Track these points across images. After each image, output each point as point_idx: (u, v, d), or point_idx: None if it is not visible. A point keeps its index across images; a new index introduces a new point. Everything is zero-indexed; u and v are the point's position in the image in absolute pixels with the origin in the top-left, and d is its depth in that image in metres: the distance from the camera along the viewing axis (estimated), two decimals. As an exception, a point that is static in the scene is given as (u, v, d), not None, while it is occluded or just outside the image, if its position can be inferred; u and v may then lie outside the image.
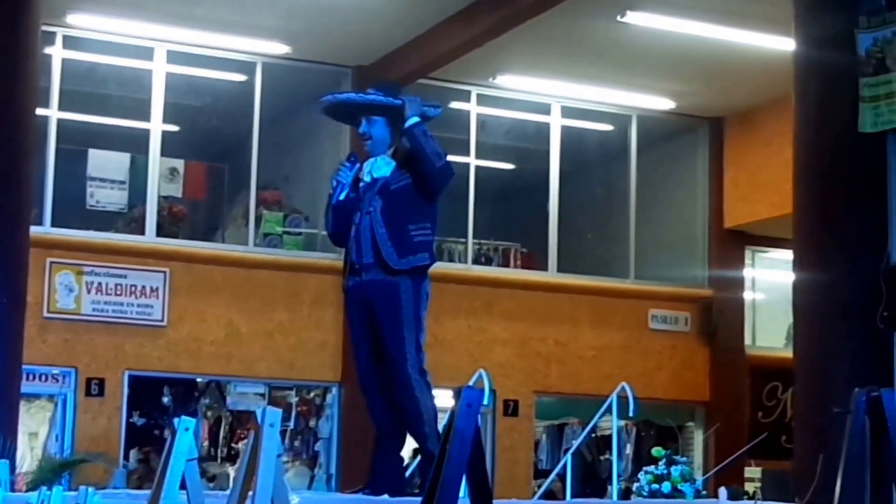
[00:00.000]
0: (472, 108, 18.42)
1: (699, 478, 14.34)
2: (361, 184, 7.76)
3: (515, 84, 18.13)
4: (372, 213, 7.56)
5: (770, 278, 20.13)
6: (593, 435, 18.27)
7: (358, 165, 7.90)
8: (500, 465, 17.79)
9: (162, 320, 16.38)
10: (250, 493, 4.59)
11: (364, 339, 7.70)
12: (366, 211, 7.59)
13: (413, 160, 7.62)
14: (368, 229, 7.55)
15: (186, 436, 5.30)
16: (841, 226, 11.91)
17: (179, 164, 17.34)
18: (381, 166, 7.74)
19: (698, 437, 19.20)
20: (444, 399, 19.19)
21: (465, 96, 18.33)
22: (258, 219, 17.37)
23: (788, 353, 13.15)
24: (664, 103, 18.80)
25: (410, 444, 8.00)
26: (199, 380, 17.69)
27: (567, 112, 18.95)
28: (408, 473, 14.74)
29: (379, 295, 7.54)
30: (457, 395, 3.89)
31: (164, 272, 16.45)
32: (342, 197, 7.75)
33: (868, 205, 12.01)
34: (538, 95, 18.60)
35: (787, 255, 13.47)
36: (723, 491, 11.17)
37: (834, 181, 11.97)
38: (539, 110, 18.94)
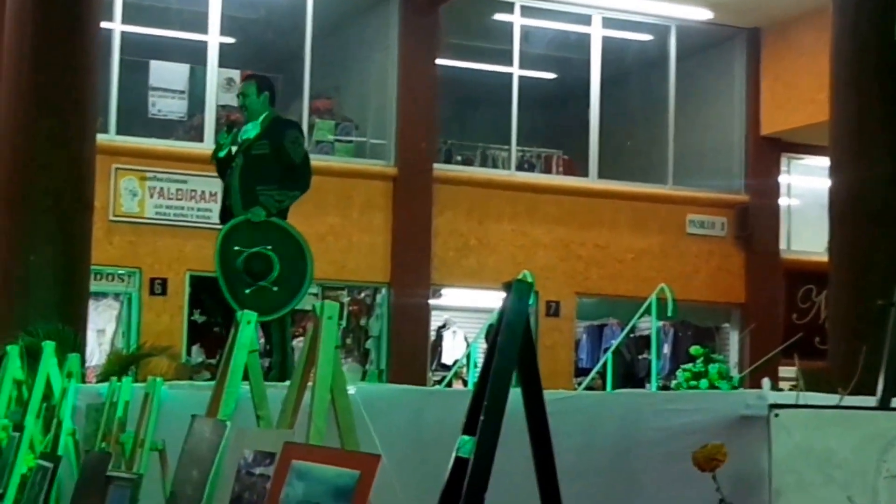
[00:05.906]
0: (516, 20, 18.83)
1: (735, 375, 14.82)
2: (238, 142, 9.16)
3: (558, -5, 18.48)
4: (234, 168, 9.04)
5: (805, 184, 20.43)
6: (632, 335, 18.76)
7: (236, 130, 9.32)
8: (541, 364, 17.57)
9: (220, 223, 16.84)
10: (310, 383, 4.53)
11: None
12: (231, 165, 9.07)
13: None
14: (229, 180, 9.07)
15: (248, 328, 5.35)
16: (875, 133, 12.20)
17: (236, 74, 17.64)
18: (248, 130, 9.15)
19: (734, 338, 19.65)
20: (487, 299, 19.57)
21: (509, 8, 18.74)
22: (311, 127, 17.75)
23: (823, 258, 13.57)
24: (702, 13, 19.11)
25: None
26: (256, 281, 18.19)
27: (607, 23, 19.31)
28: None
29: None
30: (507, 287, 3.76)
31: (223, 178, 16.92)
32: (221, 155, 9.22)
33: (902, 112, 12.36)
34: (580, 6, 18.96)
35: (823, 161, 13.82)
36: (766, 381, 11.61)
37: (869, 89, 12.27)
38: (580, 21, 19.30)
